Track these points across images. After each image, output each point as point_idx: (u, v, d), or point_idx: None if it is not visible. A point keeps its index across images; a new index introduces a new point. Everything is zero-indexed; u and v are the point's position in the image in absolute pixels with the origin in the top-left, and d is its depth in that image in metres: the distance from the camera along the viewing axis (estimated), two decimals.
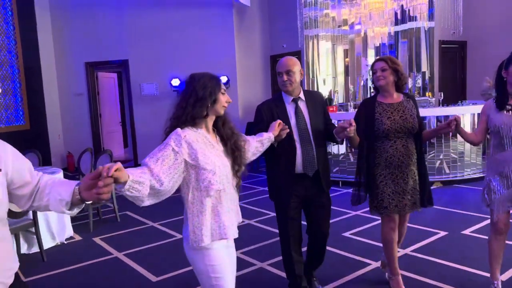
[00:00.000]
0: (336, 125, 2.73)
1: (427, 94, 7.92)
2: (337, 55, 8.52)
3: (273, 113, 2.73)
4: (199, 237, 1.84)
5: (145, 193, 1.61)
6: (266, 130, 2.52)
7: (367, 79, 8.46)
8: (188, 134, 1.83)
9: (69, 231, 4.57)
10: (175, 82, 8.61)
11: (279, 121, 2.50)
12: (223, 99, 1.94)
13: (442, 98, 6.29)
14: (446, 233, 4.09)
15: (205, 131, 1.92)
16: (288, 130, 2.52)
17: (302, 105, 2.78)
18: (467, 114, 6.15)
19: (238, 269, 3.43)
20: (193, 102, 1.86)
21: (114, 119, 10.58)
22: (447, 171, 6.14)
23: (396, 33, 8.07)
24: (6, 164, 1.43)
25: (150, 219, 5.13)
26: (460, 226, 4.24)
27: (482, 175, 6.17)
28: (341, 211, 4.98)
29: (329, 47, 8.46)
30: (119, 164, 1.40)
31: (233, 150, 1.95)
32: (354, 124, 2.49)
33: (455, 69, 9.17)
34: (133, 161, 9.48)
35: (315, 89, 8.14)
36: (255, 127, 2.76)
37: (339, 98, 8.25)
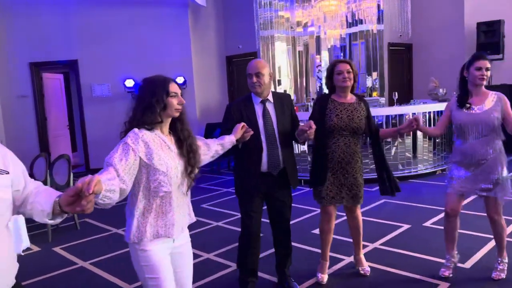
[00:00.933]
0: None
1: (374, 94, 8.28)
2: (291, 56, 8.66)
3: (241, 113, 2.82)
4: (143, 233, 1.87)
5: (115, 199, 1.65)
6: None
7: (316, 80, 8.69)
8: (145, 134, 1.87)
9: (25, 242, 4.24)
10: (129, 83, 8.33)
11: (242, 123, 2.55)
12: (175, 101, 1.93)
13: (397, 97, 6.59)
14: (409, 226, 4.29)
15: (160, 132, 1.94)
16: (252, 133, 2.57)
17: (270, 106, 2.88)
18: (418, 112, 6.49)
19: (214, 272, 3.45)
20: (142, 109, 1.89)
21: (61, 122, 10.04)
22: (401, 167, 6.44)
23: (348, 35, 8.35)
24: (10, 167, 1.46)
25: (112, 225, 4.93)
26: (420, 219, 4.46)
27: (433, 170, 6.56)
28: (306, 209, 5.06)
29: (284, 48, 8.58)
30: (97, 178, 1.37)
31: (188, 152, 1.98)
32: (314, 126, 2.60)
33: (402, 70, 9.65)
34: (84, 166, 9.07)
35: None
36: (224, 125, 2.84)
37: (294, 99, 8.40)
